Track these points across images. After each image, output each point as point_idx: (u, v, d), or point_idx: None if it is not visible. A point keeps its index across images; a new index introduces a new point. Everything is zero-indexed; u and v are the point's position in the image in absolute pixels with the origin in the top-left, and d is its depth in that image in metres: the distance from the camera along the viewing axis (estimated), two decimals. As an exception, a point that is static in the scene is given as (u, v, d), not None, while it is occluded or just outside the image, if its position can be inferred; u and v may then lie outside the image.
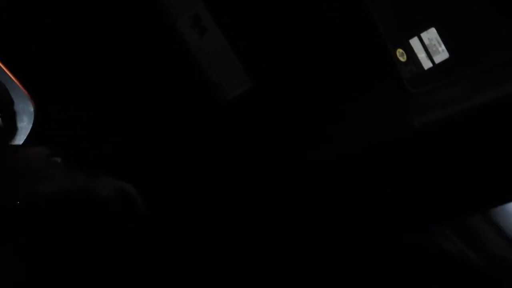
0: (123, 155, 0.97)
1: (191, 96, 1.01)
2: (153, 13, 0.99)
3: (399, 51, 0.93)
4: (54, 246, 0.71)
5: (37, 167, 0.73)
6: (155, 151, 0.99)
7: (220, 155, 1.01)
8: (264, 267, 1.00)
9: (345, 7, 0.95)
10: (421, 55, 0.93)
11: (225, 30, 1.00)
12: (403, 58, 0.93)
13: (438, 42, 0.93)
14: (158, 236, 0.92)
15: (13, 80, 0.87)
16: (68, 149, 0.90)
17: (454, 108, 0.92)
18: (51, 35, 0.92)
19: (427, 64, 0.93)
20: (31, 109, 0.89)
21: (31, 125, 0.89)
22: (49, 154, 0.77)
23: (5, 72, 0.86)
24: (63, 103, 0.93)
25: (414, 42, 0.93)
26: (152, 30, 0.99)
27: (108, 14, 0.96)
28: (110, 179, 0.80)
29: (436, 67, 0.93)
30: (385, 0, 0.93)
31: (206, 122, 1.01)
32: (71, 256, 0.73)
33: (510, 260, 1.06)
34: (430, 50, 0.93)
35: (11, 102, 0.87)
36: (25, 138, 0.89)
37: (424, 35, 0.93)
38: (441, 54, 0.93)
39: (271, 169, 1.00)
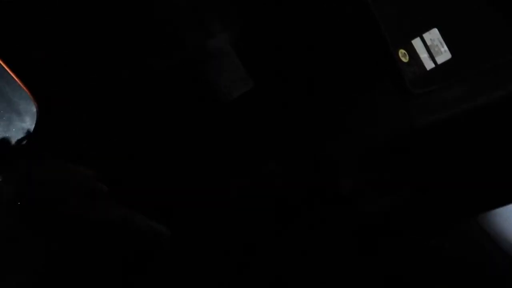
0: (124, 156, 0.97)
1: (193, 97, 1.01)
2: (156, 14, 0.99)
3: (401, 52, 0.93)
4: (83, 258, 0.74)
5: (87, 188, 0.76)
6: (156, 151, 0.99)
7: (222, 155, 1.01)
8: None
9: (347, 8, 0.95)
10: (423, 56, 0.93)
11: (227, 31, 1.00)
12: (405, 59, 0.93)
13: (441, 43, 0.93)
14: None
15: (15, 81, 0.87)
16: (69, 149, 0.90)
17: (456, 108, 0.92)
18: (52, 35, 0.91)
19: (429, 65, 0.93)
20: (34, 109, 0.89)
21: (33, 126, 0.89)
22: (97, 179, 0.80)
23: (8, 73, 0.86)
24: (65, 103, 0.93)
25: (416, 42, 0.93)
26: (154, 30, 0.99)
27: (111, 15, 0.96)
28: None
29: (438, 67, 0.93)
30: (387, 0, 0.93)
31: (208, 123, 1.01)
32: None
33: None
34: (432, 50, 0.93)
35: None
36: (27, 139, 0.89)
37: (426, 35, 0.93)
38: (443, 54, 0.93)
39: (273, 170, 1.01)
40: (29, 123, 0.89)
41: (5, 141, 0.86)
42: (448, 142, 0.94)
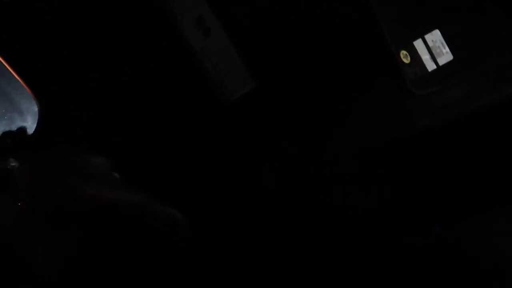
0: (124, 156, 0.97)
1: (194, 97, 1.01)
2: (158, 14, 0.99)
3: (403, 53, 0.93)
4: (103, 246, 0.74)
5: (101, 176, 0.76)
6: (158, 151, 0.99)
7: (223, 156, 1.01)
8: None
9: (349, 8, 0.95)
10: (425, 57, 0.93)
11: (228, 31, 1.00)
12: (407, 60, 0.93)
13: (442, 44, 0.93)
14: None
15: (17, 80, 0.87)
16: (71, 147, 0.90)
17: (458, 109, 0.92)
18: (54, 35, 0.92)
19: (431, 66, 0.93)
20: (36, 109, 0.89)
21: (35, 125, 0.89)
22: (110, 168, 0.80)
23: (10, 72, 0.86)
24: (67, 103, 0.93)
25: (418, 44, 0.93)
26: (156, 31, 0.99)
27: (113, 15, 0.96)
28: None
29: (440, 68, 0.93)
30: (389, 1, 0.93)
31: (209, 123, 1.01)
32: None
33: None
34: (434, 52, 0.93)
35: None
36: (29, 138, 0.89)
37: (428, 37, 0.93)
38: (445, 56, 0.93)
39: (273, 170, 1.01)
40: (31, 123, 0.89)
41: (8, 136, 0.86)
42: (449, 143, 0.95)
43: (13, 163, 0.73)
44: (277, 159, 1.01)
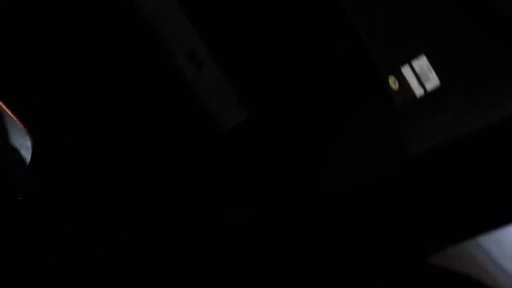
0: (120, 186, 0.99)
1: (189, 128, 1.02)
2: (151, 47, 1.01)
3: (391, 79, 0.93)
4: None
5: None
6: (152, 181, 1.00)
7: (218, 186, 1.02)
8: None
9: (337, 36, 0.96)
10: (413, 83, 0.93)
11: (221, 63, 1.02)
12: (395, 86, 0.93)
13: (429, 69, 0.93)
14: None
15: (9, 115, 0.89)
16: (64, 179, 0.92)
17: (447, 134, 0.92)
18: (45, 68, 0.94)
19: (419, 92, 0.93)
20: (28, 143, 0.91)
21: (28, 159, 0.91)
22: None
23: (2, 107, 0.89)
24: (60, 136, 0.95)
25: (406, 69, 0.94)
26: (150, 63, 1.01)
27: (106, 48, 0.99)
28: None
29: (427, 94, 0.93)
30: (376, 28, 0.94)
31: (204, 153, 1.02)
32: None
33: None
34: (421, 77, 0.93)
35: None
36: (23, 172, 0.91)
37: (415, 62, 0.93)
38: (432, 81, 0.93)
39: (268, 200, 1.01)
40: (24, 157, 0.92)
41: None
42: (441, 168, 0.94)
43: None
44: (272, 189, 1.02)
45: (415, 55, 0.94)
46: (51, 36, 0.95)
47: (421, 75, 0.93)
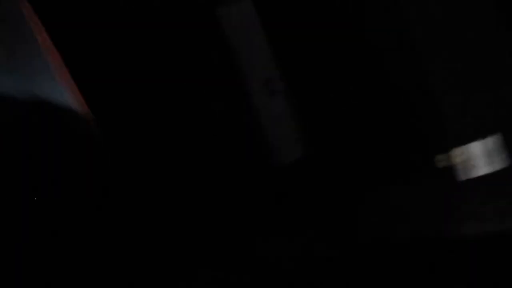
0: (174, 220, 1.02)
1: (242, 153, 1.05)
2: (232, 69, 1.05)
3: (441, 157, 0.96)
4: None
5: None
6: (205, 209, 1.03)
7: (269, 218, 1.04)
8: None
9: (412, 99, 0.98)
10: (465, 163, 0.95)
11: (292, 97, 1.05)
12: (443, 164, 0.95)
13: (490, 152, 0.95)
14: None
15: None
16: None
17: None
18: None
19: (471, 173, 0.95)
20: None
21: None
22: None
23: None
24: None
25: (456, 150, 0.96)
26: (227, 83, 1.04)
27: (190, 65, 1.02)
28: None
29: (482, 177, 0.94)
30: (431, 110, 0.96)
31: (256, 184, 1.05)
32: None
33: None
34: (483, 158, 0.95)
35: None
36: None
37: (473, 144, 0.95)
38: (494, 164, 0.94)
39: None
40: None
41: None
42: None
43: None
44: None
45: (474, 136, 0.95)
46: (139, 57, 0.99)
47: (480, 156, 0.95)
